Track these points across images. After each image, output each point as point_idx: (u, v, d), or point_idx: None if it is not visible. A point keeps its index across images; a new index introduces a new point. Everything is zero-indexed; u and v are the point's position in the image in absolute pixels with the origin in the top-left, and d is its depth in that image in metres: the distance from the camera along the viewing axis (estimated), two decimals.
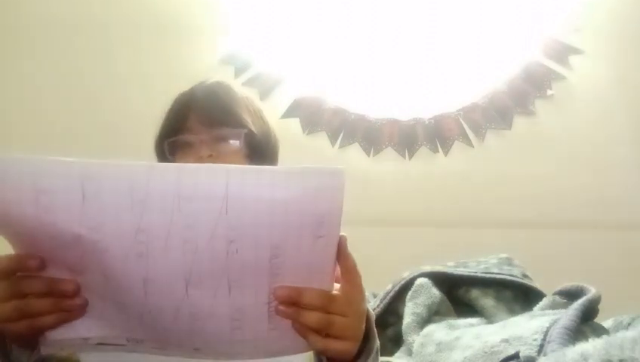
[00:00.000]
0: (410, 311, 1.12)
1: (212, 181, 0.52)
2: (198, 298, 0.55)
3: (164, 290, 0.54)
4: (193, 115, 0.94)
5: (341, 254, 0.57)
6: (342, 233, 0.56)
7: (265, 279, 0.55)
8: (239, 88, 1.02)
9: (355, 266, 0.59)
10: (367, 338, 0.65)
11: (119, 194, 0.51)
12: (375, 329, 0.67)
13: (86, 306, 0.57)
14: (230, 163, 0.90)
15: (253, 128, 0.94)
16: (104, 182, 0.51)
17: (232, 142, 0.93)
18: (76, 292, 0.56)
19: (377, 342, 0.68)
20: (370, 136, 1.98)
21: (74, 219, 0.51)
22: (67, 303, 0.56)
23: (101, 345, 0.59)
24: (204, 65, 1.91)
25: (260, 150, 0.95)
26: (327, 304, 0.57)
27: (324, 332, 0.58)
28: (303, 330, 0.58)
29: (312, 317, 0.57)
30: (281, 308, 0.57)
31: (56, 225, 0.52)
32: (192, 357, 0.61)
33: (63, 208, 0.51)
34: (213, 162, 0.90)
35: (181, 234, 0.52)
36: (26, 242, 0.54)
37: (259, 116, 0.99)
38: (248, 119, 0.94)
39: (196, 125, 0.93)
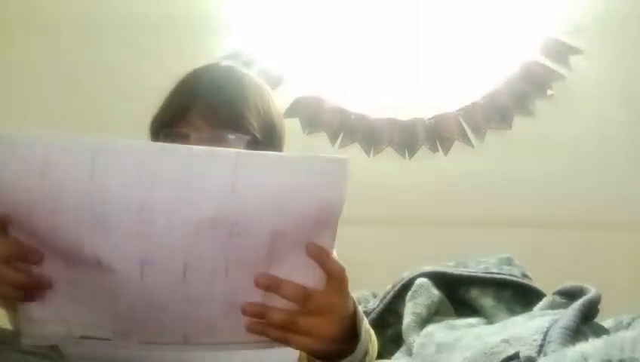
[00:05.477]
0: (410, 311, 1.12)
1: (221, 161, 0.53)
2: (195, 281, 0.55)
3: (161, 272, 0.55)
4: (197, 107, 0.86)
5: (325, 263, 0.57)
6: (335, 238, 0.57)
7: (263, 263, 0.56)
8: (251, 76, 0.94)
9: (340, 273, 0.59)
10: (355, 340, 0.64)
11: (129, 169, 0.52)
12: (364, 334, 0.66)
13: (47, 286, 0.57)
14: None
15: (257, 134, 0.87)
16: (115, 158, 0.52)
17: (232, 146, 0.85)
18: (39, 260, 0.56)
19: (367, 346, 0.67)
20: (370, 136, 1.98)
21: (80, 192, 0.52)
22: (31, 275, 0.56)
23: (85, 338, 0.59)
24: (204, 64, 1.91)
25: None
26: (302, 300, 0.57)
27: (286, 329, 0.58)
28: (262, 327, 0.58)
29: (277, 316, 0.57)
30: (248, 308, 0.57)
31: (61, 199, 0.52)
32: (180, 351, 0.61)
33: (70, 180, 0.52)
34: None
35: (185, 214, 0.52)
36: (22, 217, 0.54)
37: (267, 115, 0.91)
38: (254, 123, 0.87)
39: (197, 120, 0.85)
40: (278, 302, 0.57)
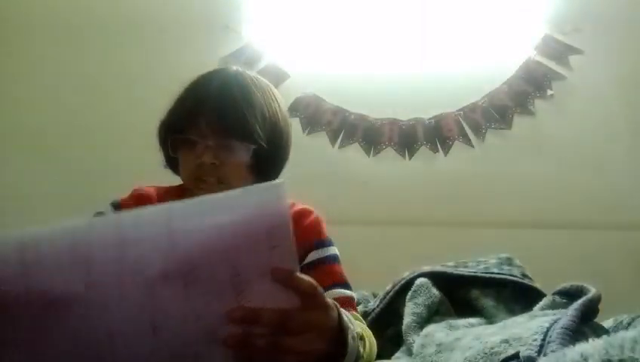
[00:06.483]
0: (410, 311, 1.12)
1: (154, 220, 0.52)
2: (167, 334, 0.54)
3: (131, 340, 0.54)
4: (204, 114, 0.87)
5: (293, 284, 0.56)
6: (296, 256, 0.56)
7: (231, 298, 0.55)
8: (259, 81, 0.95)
9: (311, 289, 0.57)
10: (344, 345, 0.64)
11: (59, 254, 0.51)
12: (352, 340, 0.66)
13: None
14: (232, 173, 0.88)
15: (263, 143, 0.88)
16: (43, 247, 0.51)
17: (238, 154, 0.88)
18: None
19: (357, 351, 0.67)
20: (370, 136, 1.99)
21: (20, 289, 0.51)
22: None
23: None
24: (205, 64, 1.90)
25: (264, 164, 0.91)
26: (281, 323, 0.56)
27: (272, 351, 0.57)
28: (249, 353, 0.57)
29: (261, 342, 0.56)
30: (230, 341, 0.55)
31: (5, 298, 0.51)
32: None
33: (7, 279, 0.51)
34: (216, 171, 0.87)
35: (133, 280, 0.52)
36: None
37: (273, 122, 0.92)
38: (261, 131, 0.88)
39: (205, 128, 0.87)
40: (258, 327, 0.56)
